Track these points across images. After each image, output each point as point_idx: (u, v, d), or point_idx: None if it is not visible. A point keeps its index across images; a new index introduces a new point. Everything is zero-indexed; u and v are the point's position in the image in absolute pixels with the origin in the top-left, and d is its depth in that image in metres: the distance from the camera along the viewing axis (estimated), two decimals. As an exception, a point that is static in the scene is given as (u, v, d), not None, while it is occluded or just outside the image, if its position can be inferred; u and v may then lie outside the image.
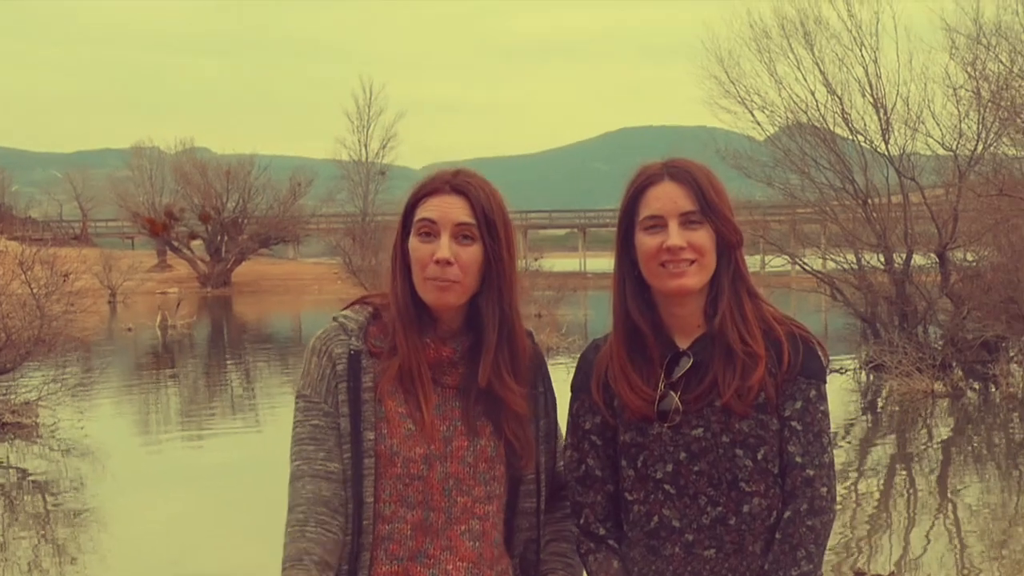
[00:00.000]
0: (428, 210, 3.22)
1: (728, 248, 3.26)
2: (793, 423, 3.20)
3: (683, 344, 3.27)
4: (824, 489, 3.20)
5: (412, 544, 3.20)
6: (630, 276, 3.30)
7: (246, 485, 15.13)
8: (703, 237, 3.21)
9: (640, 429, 3.24)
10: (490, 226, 3.22)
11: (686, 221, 3.21)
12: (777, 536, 3.19)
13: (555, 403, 3.40)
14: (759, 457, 3.19)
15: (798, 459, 3.19)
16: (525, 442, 3.29)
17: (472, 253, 3.20)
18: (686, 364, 3.23)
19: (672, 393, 3.21)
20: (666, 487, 3.21)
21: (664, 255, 3.20)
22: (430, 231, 3.20)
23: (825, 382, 3.28)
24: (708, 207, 3.22)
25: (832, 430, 3.30)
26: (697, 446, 3.19)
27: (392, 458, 3.18)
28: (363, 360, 3.21)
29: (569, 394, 3.37)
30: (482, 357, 3.24)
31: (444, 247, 3.18)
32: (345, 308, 3.34)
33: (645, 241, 3.23)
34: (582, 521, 3.33)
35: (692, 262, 3.20)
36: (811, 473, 3.19)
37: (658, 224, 3.21)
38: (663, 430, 3.21)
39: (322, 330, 3.28)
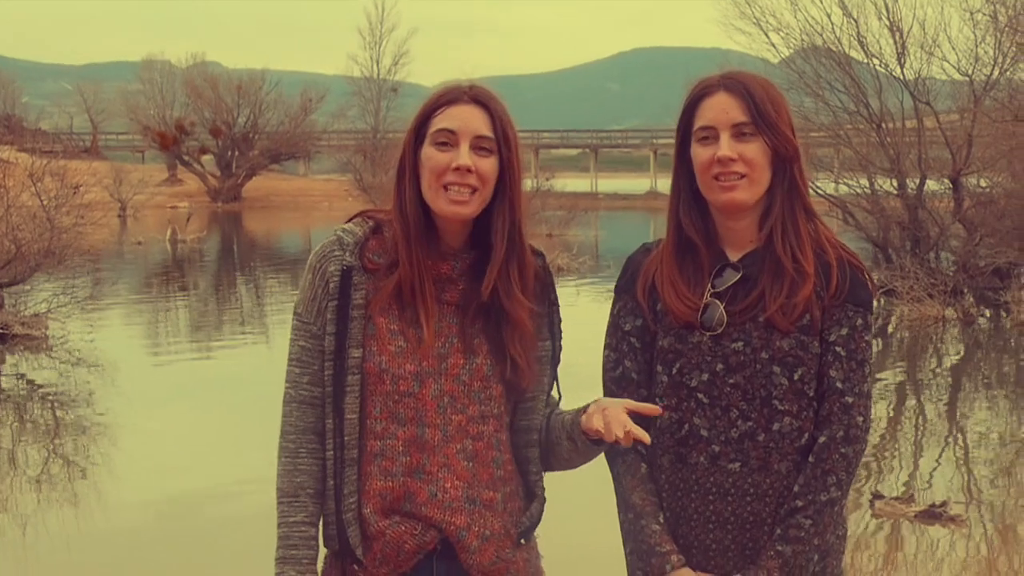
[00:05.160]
0: (447, 120, 3.19)
1: (784, 162, 3.24)
2: (837, 348, 3.20)
3: (735, 257, 3.27)
4: (860, 418, 3.20)
5: (406, 460, 3.18)
6: (686, 188, 3.31)
7: (254, 397, 15.14)
8: (755, 150, 3.20)
9: (680, 336, 3.24)
10: (506, 140, 3.21)
11: (738, 133, 3.20)
12: (810, 460, 3.19)
13: (560, 326, 3.34)
14: (795, 377, 3.18)
15: (838, 384, 3.19)
16: (528, 359, 3.25)
17: (489, 165, 3.19)
18: (733, 276, 3.24)
19: (717, 302, 3.22)
20: (699, 396, 3.21)
21: (716, 167, 3.19)
22: (448, 140, 3.18)
23: (872, 312, 3.27)
24: (761, 119, 3.20)
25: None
26: (735, 359, 3.19)
27: (381, 375, 3.17)
28: (355, 276, 3.19)
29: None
30: (489, 269, 3.20)
31: (464, 154, 3.15)
32: (348, 221, 3.31)
33: (698, 152, 3.24)
34: None
35: (743, 176, 3.19)
36: (850, 400, 3.19)
37: (710, 135, 3.22)
38: (703, 339, 3.22)
39: (321, 244, 3.26)
